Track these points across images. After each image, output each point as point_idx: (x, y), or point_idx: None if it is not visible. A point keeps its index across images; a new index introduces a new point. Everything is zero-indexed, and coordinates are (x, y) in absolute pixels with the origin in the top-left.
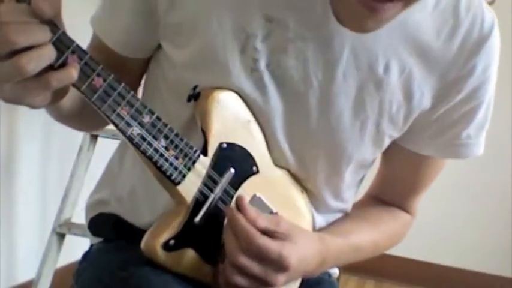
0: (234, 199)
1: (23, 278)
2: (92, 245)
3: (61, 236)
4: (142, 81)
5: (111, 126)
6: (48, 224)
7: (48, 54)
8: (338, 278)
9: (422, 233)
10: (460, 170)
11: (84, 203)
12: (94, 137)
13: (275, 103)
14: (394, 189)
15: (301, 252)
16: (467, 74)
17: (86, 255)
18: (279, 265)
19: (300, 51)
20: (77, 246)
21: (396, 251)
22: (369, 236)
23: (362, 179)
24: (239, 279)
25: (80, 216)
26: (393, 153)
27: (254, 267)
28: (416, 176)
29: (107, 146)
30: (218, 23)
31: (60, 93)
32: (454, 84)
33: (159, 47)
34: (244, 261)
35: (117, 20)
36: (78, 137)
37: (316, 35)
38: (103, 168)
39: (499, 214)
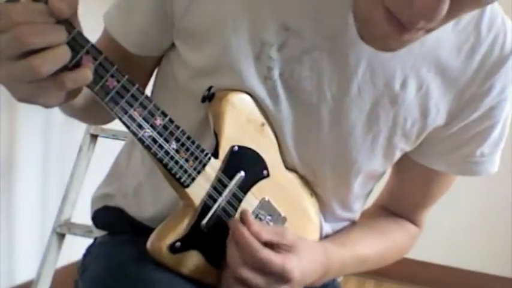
0: (240, 207)
1: (23, 278)
2: (95, 238)
3: (61, 236)
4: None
5: (111, 126)
6: (48, 224)
7: (63, 55)
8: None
9: (422, 233)
10: None
11: (84, 203)
12: (94, 137)
13: (286, 113)
14: (403, 202)
15: (304, 265)
16: (484, 93)
17: (89, 249)
18: (281, 278)
19: (315, 62)
20: (77, 246)
21: None
22: (375, 248)
23: (371, 190)
24: None
25: (80, 216)
26: (405, 166)
27: (257, 279)
28: (427, 190)
29: (107, 146)
30: (234, 29)
31: (74, 92)
32: (471, 103)
33: (172, 45)
34: (246, 273)
35: (132, 19)
36: (78, 137)
37: (332, 46)
38: (103, 168)
39: (499, 214)
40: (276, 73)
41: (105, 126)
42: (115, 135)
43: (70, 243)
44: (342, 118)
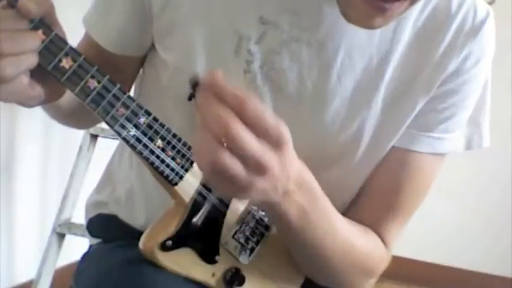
0: (231, 203)
1: (23, 278)
2: (90, 246)
3: (61, 236)
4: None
5: None
6: (48, 224)
7: (31, 62)
8: None
9: (422, 233)
10: (460, 170)
11: (84, 203)
12: (94, 137)
13: (268, 105)
14: (370, 205)
15: (297, 161)
16: (458, 68)
17: (85, 256)
18: (276, 141)
19: (294, 53)
20: (77, 246)
21: (396, 251)
22: (348, 234)
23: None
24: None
25: (80, 216)
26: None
27: (235, 165)
28: (395, 187)
29: (107, 146)
30: (212, 24)
31: (55, 92)
32: (447, 79)
33: (153, 47)
34: (225, 158)
35: (110, 19)
36: (78, 137)
37: (310, 37)
38: (103, 168)
39: (499, 214)
40: (255, 66)
41: (105, 126)
42: (115, 135)
43: (70, 243)
44: (324, 107)
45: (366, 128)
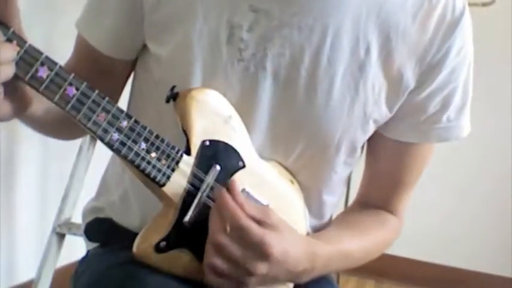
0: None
1: (23, 278)
2: (88, 251)
3: (61, 236)
4: (128, 91)
5: None
6: (48, 224)
7: (6, 73)
8: (338, 279)
9: (422, 233)
10: (460, 170)
11: (84, 203)
12: (94, 138)
13: (262, 92)
14: (378, 187)
15: (286, 245)
16: (443, 56)
17: (82, 260)
18: (259, 251)
19: (286, 38)
20: (77, 246)
21: (396, 251)
22: (360, 244)
23: (349, 176)
24: (217, 261)
25: (80, 216)
26: (376, 146)
27: (233, 248)
28: (399, 170)
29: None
30: (204, 15)
31: (22, 101)
32: (433, 67)
33: (145, 48)
34: (224, 240)
35: (102, 19)
36: None
37: (300, 21)
38: (103, 169)
39: (499, 214)
40: (248, 53)
41: None
42: None
43: (70, 243)
44: (316, 91)
45: (356, 110)
